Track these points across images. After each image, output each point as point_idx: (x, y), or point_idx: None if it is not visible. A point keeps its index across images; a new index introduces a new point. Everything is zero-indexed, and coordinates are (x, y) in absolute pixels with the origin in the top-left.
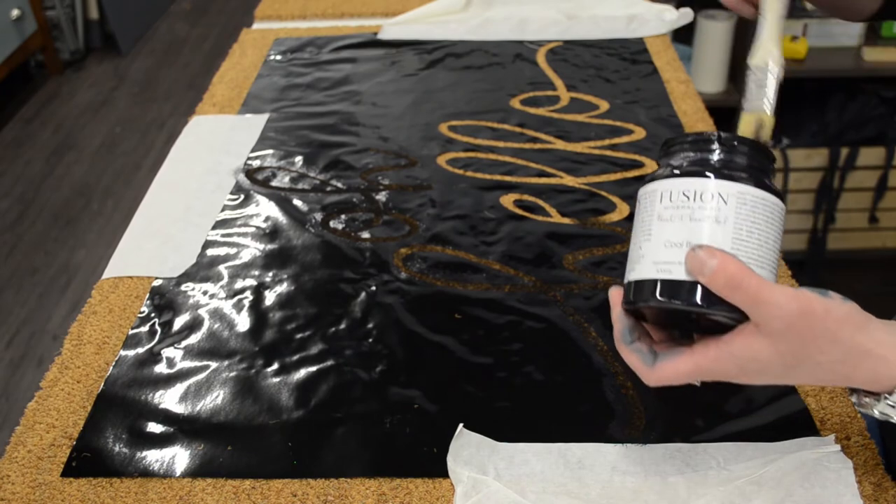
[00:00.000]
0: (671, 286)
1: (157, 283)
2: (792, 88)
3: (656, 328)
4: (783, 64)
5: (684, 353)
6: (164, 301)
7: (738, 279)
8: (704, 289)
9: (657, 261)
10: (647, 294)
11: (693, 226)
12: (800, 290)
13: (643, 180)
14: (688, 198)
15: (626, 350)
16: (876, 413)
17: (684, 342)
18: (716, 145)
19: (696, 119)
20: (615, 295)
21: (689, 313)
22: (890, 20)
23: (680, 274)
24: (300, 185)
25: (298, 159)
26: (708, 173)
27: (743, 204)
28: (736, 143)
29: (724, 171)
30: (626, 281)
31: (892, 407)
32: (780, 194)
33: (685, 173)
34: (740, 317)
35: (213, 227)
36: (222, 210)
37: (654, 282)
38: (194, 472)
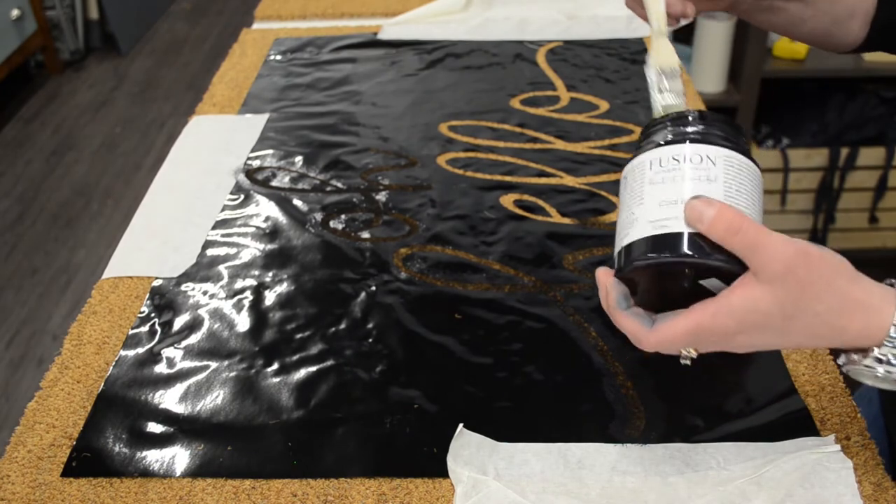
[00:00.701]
0: (668, 239)
1: (157, 283)
2: (792, 88)
3: (648, 302)
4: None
5: (682, 313)
6: (164, 301)
7: (737, 224)
8: (700, 239)
9: (652, 219)
10: (644, 251)
11: (686, 184)
12: (795, 237)
13: (628, 160)
14: (678, 161)
15: (622, 315)
16: (863, 368)
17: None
18: (695, 118)
19: None
20: (602, 274)
21: (684, 268)
22: (875, 51)
23: (677, 226)
24: (300, 185)
25: (298, 159)
26: (693, 139)
27: (731, 166)
28: (714, 119)
29: (709, 139)
30: (617, 250)
31: (879, 361)
32: (758, 165)
33: (671, 142)
34: (737, 268)
35: (213, 227)
36: (222, 210)
37: (651, 238)
38: (194, 472)
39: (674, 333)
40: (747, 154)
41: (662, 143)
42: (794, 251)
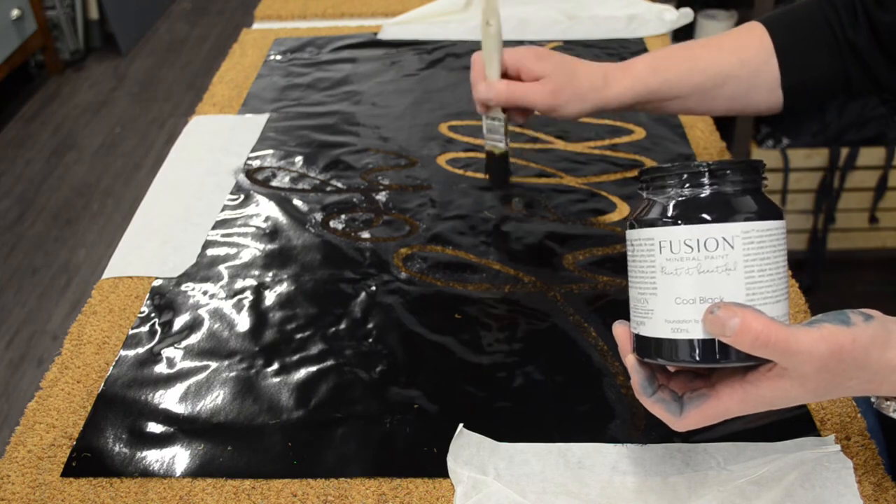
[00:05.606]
0: (690, 346)
1: (157, 283)
2: None
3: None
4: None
5: (710, 399)
6: (164, 301)
7: (763, 337)
8: (725, 344)
9: (669, 319)
10: (665, 353)
11: (703, 279)
12: (823, 326)
13: (631, 218)
14: (691, 248)
15: (650, 402)
16: (893, 415)
17: (703, 378)
18: (706, 179)
19: (695, 119)
20: (622, 335)
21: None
22: (803, 108)
23: (697, 333)
24: (300, 185)
25: (298, 159)
26: (706, 216)
27: (749, 243)
28: (727, 171)
29: (724, 210)
30: (635, 332)
31: None
32: (779, 211)
33: (683, 219)
34: (762, 361)
35: (213, 227)
36: (222, 210)
37: (671, 342)
38: (194, 472)
39: (703, 418)
40: (765, 211)
41: (675, 216)
42: (827, 351)
